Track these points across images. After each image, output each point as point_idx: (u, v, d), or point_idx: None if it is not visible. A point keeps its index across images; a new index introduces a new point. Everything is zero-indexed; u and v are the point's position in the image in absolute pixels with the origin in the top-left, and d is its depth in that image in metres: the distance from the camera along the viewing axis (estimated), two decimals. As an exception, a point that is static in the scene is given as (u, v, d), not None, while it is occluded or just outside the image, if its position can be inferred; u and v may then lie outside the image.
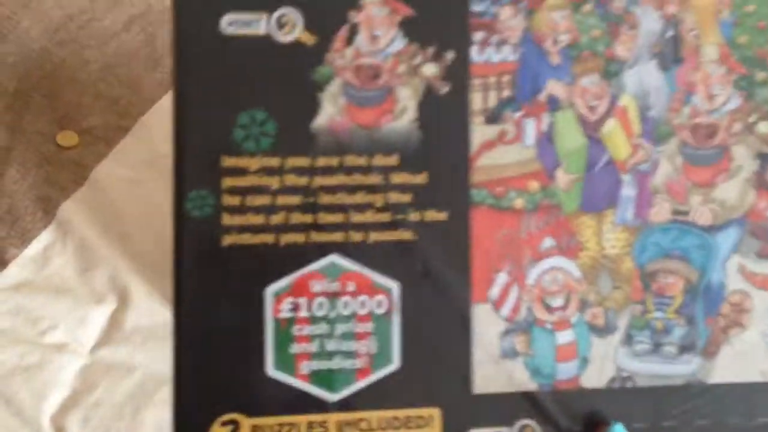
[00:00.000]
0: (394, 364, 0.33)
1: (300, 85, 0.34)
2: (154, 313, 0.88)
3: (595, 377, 0.35)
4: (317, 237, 0.34)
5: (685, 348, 0.38)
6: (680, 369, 0.38)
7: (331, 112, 0.33)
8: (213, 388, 0.34)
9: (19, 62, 0.97)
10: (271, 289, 0.34)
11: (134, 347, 0.86)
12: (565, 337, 0.35)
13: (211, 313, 0.34)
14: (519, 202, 0.35)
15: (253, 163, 0.34)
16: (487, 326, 0.34)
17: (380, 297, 0.33)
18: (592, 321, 0.36)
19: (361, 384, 0.34)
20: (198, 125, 0.34)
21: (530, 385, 0.34)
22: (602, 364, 0.36)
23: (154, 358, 0.86)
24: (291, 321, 0.34)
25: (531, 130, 0.35)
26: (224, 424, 0.34)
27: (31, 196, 0.94)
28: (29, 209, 0.93)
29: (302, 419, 0.33)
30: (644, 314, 0.37)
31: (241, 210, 0.34)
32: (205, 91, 0.34)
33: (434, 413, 0.33)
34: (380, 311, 0.33)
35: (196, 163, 0.34)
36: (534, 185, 0.35)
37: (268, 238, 0.34)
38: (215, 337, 0.34)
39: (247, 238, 0.34)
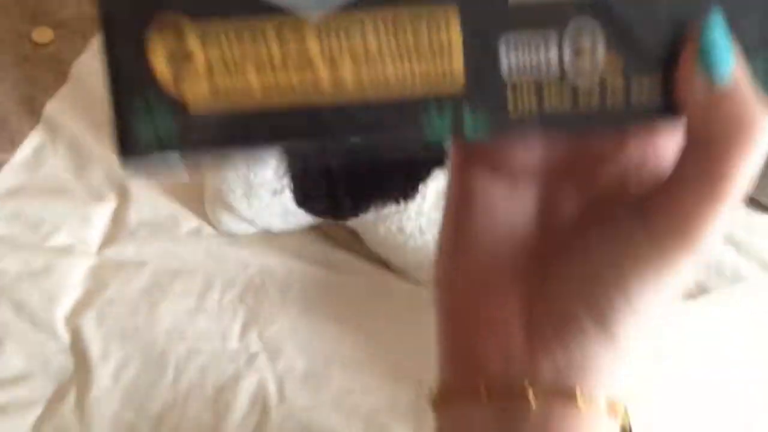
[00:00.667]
0: None
1: None
2: (157, 206, 0.84)
3: None
4: None
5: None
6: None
7: None
8: None
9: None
10: None
11: (141, 242, 0.83)
12: None
13: None
14: None
15: None
16: None
17: None
18: None
19: None
20: None
21: None
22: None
23: (163, 250, 0.83)
24: None
25: None
26: (162, 30, 0.24)
27: (13, 97, 0.89)
28: (13, 111, 0.88)
29: (268, 24, 0.25)
30: None
31: None
32: None
33: (449, 12, 0.25)
34: None
35: None
36: None
37: None
38: None
39: None
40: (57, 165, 0.88)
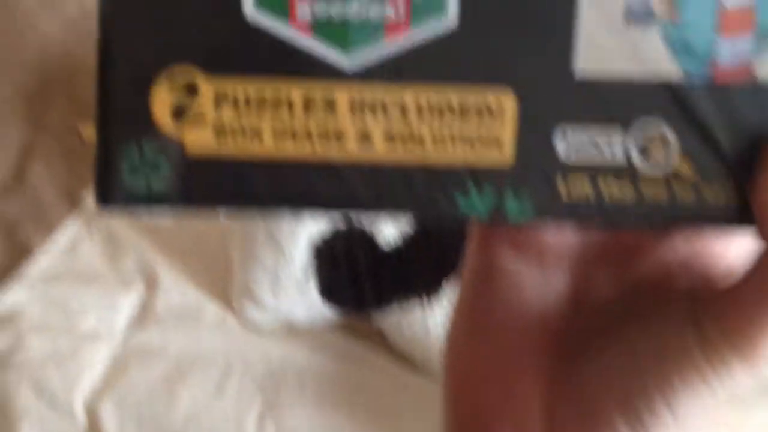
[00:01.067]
0: (449, 17, 0.22)
1: None
2: (184, 294, 0.85)
3: None
4: None
5: None
6: None
7: None
8: (162, 27, 0.22)
9: (39, 59, 0.96)
10: None
11: (166, 329, 0.84)
12: None
13: None
14: None
15: None
16: None
17: None
18: None
19: (392, 45, 0.22)
20: None
21: (670, 69, 0.22)
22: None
23: (186, 338, 0.83)
24: None
25: None
26: (173, 80, 0.22)
27: (56, 188, 0.92)
28: (54, 201, 0.91)
29: (296, 88, 0.22)
30: None
31: None
32: None
33: (505, 99, 0.22)
34: None
35: None
36: None
37: None
38: None
39: None
40: (91, 253, 0.90)
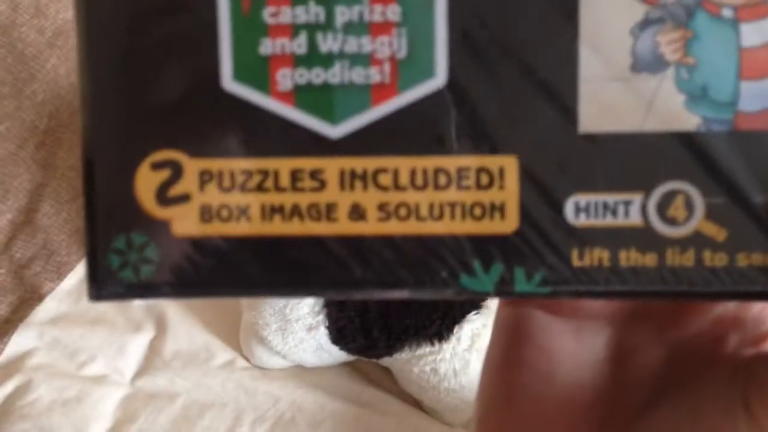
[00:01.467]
0: (438, 77, 0.20)
1: None
2: (192, 337, 0.84)
3: None
4: None
5: None
6: None
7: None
8: (140, 113, 0.21)
9: (49, 100, 0.97)
10: None
11: (175, 373, 0.83)
12: (758, 32, 0.19)
13: None
14: None
15: None
16: (609, 11, 0.20)
17: None
18: None
19: (380, 111, 0.20)
20: None
21: (688, 119, 0.20)
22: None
23: (196, 382, 0.82)
24: (258, 0, 0.20)
25: None
26: (156, 166, 0.21)
27: (65, 230, 0.92)
28: (64, 243, 0.91)
29: (282, 164, 0.21)
30: None
31: None
32: None
33: (507, 164, 0.20)
34: None
35: None
36: None
37: None
38: (139, 27, 0.21)
39: None
40: (100, 295, 0.90)
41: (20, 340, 0.87)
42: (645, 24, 0.20)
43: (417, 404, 0.81)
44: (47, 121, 0.97)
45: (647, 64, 0.20)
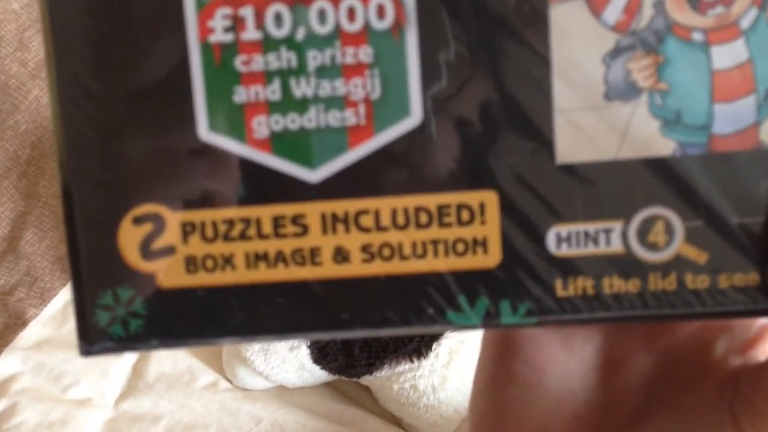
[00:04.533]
0: (413, 116, 0.20)
1: None
2: (175, 360, 0.85)
3: None
4: None
5: None
6: None
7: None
8: (119, 169, 0.20)
9: (31, 130, 0.98)
10: None
11: (158, 396, 0.84)
12: (729, 55, 0.19)
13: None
14: None
15: None
16: (579, 42, 0.19)
17: (378, 3, 0.20)
18: None
19: (358, 152, 0.20)
20: None
21: (664, 145, 0.20)
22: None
23: (179, 404, 0.83)
24: (231, 48, 0.20)
25: None
26: (138, 220, 0.21)
27: (48, 257, 0.93)
28: (47, 270, 0.92)
29: (263, 211, 0.21)
30: None
31: None
32: None
33: (487, 199, 0.20)
34: (383, 25, 0.20)
35: None
36: None
37: None
38: (114, 83, 0.21)
39: None
40: (83, 320, 0.90)
41: (5, 365, 0.87)
42: (616, 52, 0.20)
43: (397, 422, 0.82)
44: (30, 151, 0.98)
45: (620, 91, 0.20)
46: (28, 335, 0.89)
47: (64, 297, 0.92)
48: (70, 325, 0.89)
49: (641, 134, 0.20)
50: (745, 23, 0.19)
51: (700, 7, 0.19)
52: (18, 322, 0.89)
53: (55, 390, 0.85)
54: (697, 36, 0.19)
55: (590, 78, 0.20)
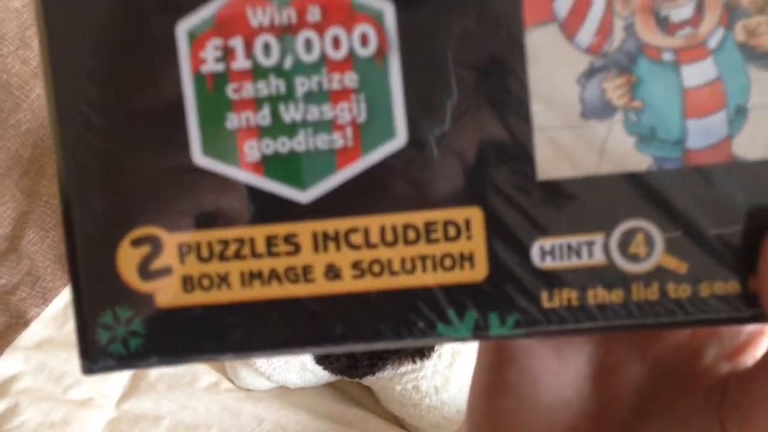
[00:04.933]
0: (398, 137, 0.21)
1: None
2: (178, 360, 0.85)
3: (759, 141, 0.20)
4: None
5: None
6: None
7: None
8: (118, 194, 0.22)
9: (33, 129, 0.98)
10: (183, 26, 0.21)
11: (160, 396, 0.84)
12: (698, 73, 0.20)
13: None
14: None
15: None
16: (554, 64, 0.20)
17: (364, 27, 0.21)
18: (749, 41, 0.20)
19: (346, 173, 0.21)
20: None
21: (640, 160, 0.21)
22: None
23: (181, 404, 0.83)
24: (222, 77, 0.21)
25: None
26: (137, 242, 0.22)
27: (50, 256, 0.93)
28: (49, 269, 0.92)
29: (257, 231, 0.22)
30: None
31: None
32: None
33: (472, 215, 0.21)
34: (367, 52, 0.21)
35: None
36: None
37: None
38: (113, 111, 0.22)
39: None
40: (85, 320, 0.90)
41: (6, 365, 0.87)
42: (590, 73, 0.20)
43: (399, 423, 0.82)
44: (32, 150, 0.98)
45: (596, 110, 0.20)
46: (30, 335, 0.89)
47: (65, 297, 0.92)
48: (72, 325, 0.89)
49: (618, 150, 0.21)
50: (713, 43, 0.20)
51: (668, 29, 0.20)
52: (20, 322, 0.89)
53: (57, 390, 0.85)
54: (668, 56, 0.20)
55: (567, 98, 0.20)
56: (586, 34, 0.20)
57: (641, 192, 0.21)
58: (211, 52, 0.21)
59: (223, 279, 0.22)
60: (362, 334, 0.22)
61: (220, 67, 0.21)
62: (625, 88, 0.20)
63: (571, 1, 0.20)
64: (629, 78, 0.20)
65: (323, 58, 0.21)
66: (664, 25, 0.20)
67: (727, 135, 0.20)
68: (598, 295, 0.21)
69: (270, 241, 0.21)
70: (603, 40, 0.20)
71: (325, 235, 0.21)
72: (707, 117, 0.20)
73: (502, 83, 0.21)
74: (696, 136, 0.20)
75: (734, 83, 0.20)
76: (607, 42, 0.20)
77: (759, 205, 0.21)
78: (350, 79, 0.21)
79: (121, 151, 0.21)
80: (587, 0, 0.20)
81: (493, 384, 0.25)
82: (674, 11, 0.20)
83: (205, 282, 0.22)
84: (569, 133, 0.21)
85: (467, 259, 0.21)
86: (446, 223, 0.21)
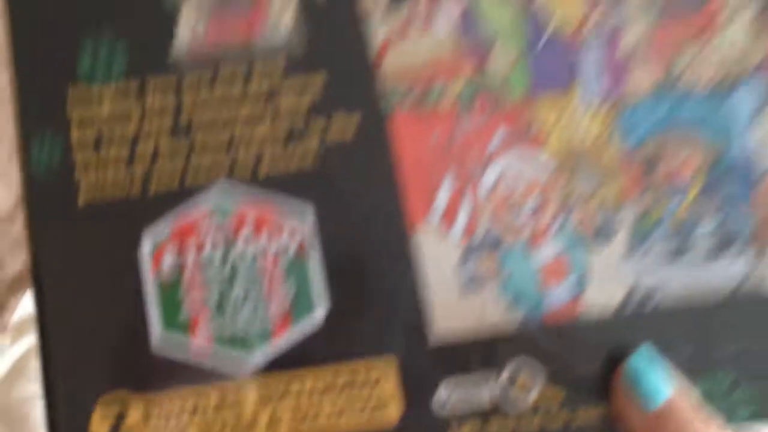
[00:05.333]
0: (318, 309, 0.26)
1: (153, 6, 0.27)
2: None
3: (600, 300, 0.26)
4: (198, 160, 0.26)
5: (724, 243, 0.27)
6: (720, 274, 0.27)
7: (191, 31, 0.26)
8: (92, 369, 0.26)
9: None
10: (147, 240, 0.26)
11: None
12: (547, 251, 0.26)
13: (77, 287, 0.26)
14: (449, 99, 0.27)
15: (106, 92, 0.27)
16: (436, 253, 0.26)
17: (287, 236, 0.26)
18: (580, 227, 0.26)
19: (281, 342, 0.26)
20: (37, 54, 0.27)
21: (512, 318, 0.26)
22: (607, 282, 0.26)
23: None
24: (177, 279, 0.26)
25: (446, 13, 0.27)
26: (107, 404, 0.26)
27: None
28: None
29: (213, 391, 0.26)
30: (652, 209, 0.27)
31: (97, 146, 0.27)
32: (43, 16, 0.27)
33: (387, 367, 0.26)
34: (290, 254, 0.26)
35: (37, 102, 0.27)
36: (463, 75, 0.26)
37: (136, 177, 0.26)
38: (85, 313, 0.26)
39: (109, 182, 0.26)
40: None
41: (30, 304, 0.88)
42: (466, 256, 0.26)
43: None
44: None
45: (473, 280, 0.26)
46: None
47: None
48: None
49: (494, 312, 0.26)
50: (555, 227, 0.26)
51: (517, 225, 0.26)
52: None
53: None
54: (520, 242, 0.26)
55: (449, 278, 0.26)
56: (456, 232, 0.26)
57: (518, 341, 0.26)
58: (168, 261, 0.26)
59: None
60: None
61: (174, 275, 0.26)
62: (494, 264, 0.26)
63: (443, 206, 0.26)
64: (495, 258, 0.26)
65: (257, 259, 0.26)
66: (515, 219, 0.27)
67: (573, 297, 0.26)
68: (494, 425, 0.26)
69: (222, 400, 0.26)
70: (470, 235, 0.26)
71: (268, 392, 0.26)
72: (557, 285, 0.26)
73: (402, 272, 0.26)
74: (551, 300, 0.26)
75: (577, 254, 0.26)
76: (474, 236, 0.26)
77: (607, 350, 0.26)
78: (279, 271, 0.26)
79: (94, 341, 0.26)
80: (454, 206, 0.26)
81: None
82: (519, 209, 0.26)
83: None
84: (454, 299, 0.26)
85: (384, 403, 0.26)
86: (367, 374, 0.26)
